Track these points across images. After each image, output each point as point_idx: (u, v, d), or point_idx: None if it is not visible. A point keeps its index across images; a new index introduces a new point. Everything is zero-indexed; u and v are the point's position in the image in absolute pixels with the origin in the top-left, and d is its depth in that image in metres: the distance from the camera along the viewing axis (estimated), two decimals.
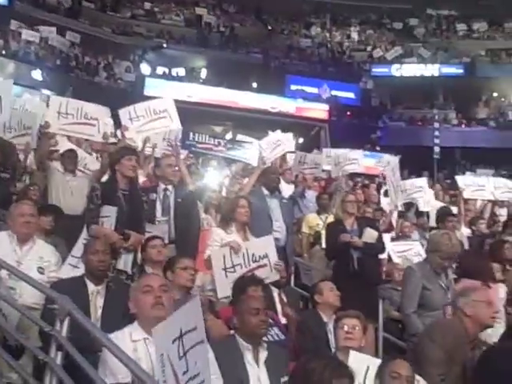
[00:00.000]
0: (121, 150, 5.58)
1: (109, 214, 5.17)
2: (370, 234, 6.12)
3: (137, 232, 5.24)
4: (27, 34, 21.22)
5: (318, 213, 8.35)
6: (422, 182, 10.20)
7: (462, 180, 10.25)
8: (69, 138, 8.13)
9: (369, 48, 28.84)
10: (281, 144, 9.60)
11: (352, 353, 3.76)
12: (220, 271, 5.36)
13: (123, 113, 7.58)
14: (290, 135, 10.07)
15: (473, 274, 5.28)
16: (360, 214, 7.64)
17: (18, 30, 21.73)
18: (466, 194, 9.81)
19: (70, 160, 7.37)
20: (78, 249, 5.02)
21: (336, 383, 2.87)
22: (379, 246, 6.33)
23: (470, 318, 4.02)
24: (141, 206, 5.42)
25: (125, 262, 5.18)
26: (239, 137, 17.89)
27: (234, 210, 5.70)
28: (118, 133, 11.84)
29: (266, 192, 6.74)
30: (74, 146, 7.93)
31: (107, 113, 11.06)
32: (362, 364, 3.66)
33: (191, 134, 9.48)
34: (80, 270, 4.66)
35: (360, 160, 9.99)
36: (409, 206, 9.62)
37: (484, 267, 5.62)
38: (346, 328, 4.21)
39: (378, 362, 3.66)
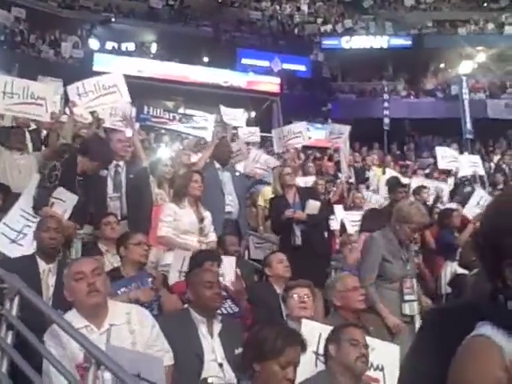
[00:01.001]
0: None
1: (64, 199, 5.10)
2: (313, 206, 6.16)
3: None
4: None
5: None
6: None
7: (439, 151, 10.69)
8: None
9: (319, 20, 28.83)
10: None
11: (304, 321, 3.83)
12: (175, 272, 5.25)
13: (71, 89, 7.41)
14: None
15: None
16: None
17: None
18: (441, 165, 10.22)
19: (16, 138, 7.19)
20: (10, 218, 4.93)
21: (289, 351, 2.93)
22: (323, 215, 6.40)
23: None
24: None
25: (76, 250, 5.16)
26: (194, 112, 17.78)
27: (188, 185, 5.65)
28: (68, 110, 11.69)
29: (217, 166, 6.74)
30: None
31: (59, 86, 10.86)
32: (315, 332, 3.73)
33: (145, 108, 9.34)
34: (22, 248, 4.59)
35: (304, 133, 9.99)
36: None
37: None
38: (296, 298, 4.28)
39: (330, 329, 3.73)
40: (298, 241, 6.07)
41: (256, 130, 11.34)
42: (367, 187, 9.64)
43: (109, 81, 7.51)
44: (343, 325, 3.76)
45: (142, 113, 9.08)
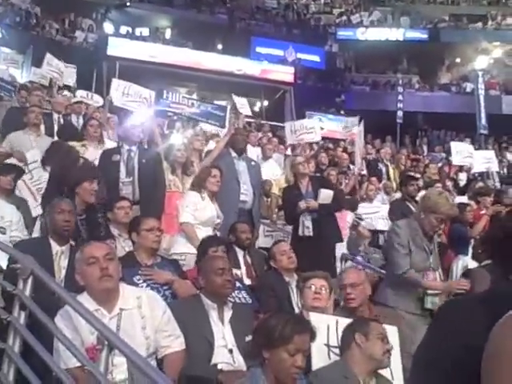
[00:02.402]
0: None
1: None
2: (325, 195, 6.13)
3: None
4: None
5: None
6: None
7: (454, 146, 10.64)
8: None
9: (335, 11, 28.67)
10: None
11: (311, 314, 3.81)
12: None
13: (120, 84, 8.79)
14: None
15: None
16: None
17: None
18: (455, 160, 10.18)
19: (33, 116, 7.25)
20: None
21: (298, 338, 2.94)
22: (336, 204, 6.37)
23: None
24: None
25: None
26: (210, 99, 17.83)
27: (206, 179, 5.72)
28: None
29: (233, 154, 6.71)
30: None
31: (73, 72, 10.99)
32: (323, 324, 3.71)
33: (165, 92, 9.33)
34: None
35: (317, 129, 10.06)
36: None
37: None
38: (313, 288, 4.25)
39: (335, 319, 3.72)
40: (308, 232, 6.05)
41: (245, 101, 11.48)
42: (379, 180, 9.58)
43: (146, 93, 8.73)
44: (368, 319, 3.77)
45: (162, 97, 9.08)
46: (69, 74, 11.89)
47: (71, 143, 6.81)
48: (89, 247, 3.52)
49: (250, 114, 11.38)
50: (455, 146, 10.83)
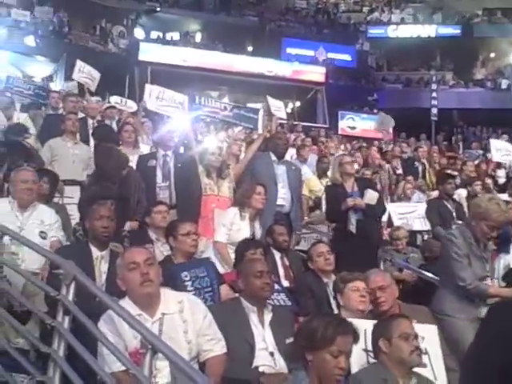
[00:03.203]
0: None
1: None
2: (372, 196, 6.07)
3: None
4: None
5: (319, 176, 8.34)
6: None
7: (494, 144, 10.53)
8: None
9: (365, 9, 28.48)
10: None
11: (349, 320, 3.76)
12: None
13: (154, 89, 8.79)
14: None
15: None
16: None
17: None
18: (495, 158, 10.07)
19: (71, 123, 7.32)
20: None
21: (340, 340, 2.92)
22: (380, 208, 6.31)
23: None
24: None
25: None
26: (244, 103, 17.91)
27: (251, 196, 5.63)
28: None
29: (273, 158, 6.69)
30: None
31: (98, 77, 11.10)
32: (360, 328, 3.65)
33: (197, 97, 9.38)
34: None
35: (283, 108, 10.54)
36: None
37: None
38: (360, 291, 4.20)
39: (372, 323, 3.66)
40: (353, 228, 5.99)
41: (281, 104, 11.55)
42: (415, 179, 9.47)
43: (180, 98, 8.71)
44: (390, 318, 3.68)
45: (194, 102, 9.13)
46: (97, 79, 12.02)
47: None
48: (129, 252, 3.55)
49: (284, 117, 11.36)
50: (495, 143, 10.67)
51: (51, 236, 4.85)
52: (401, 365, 3.33)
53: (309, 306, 4.75)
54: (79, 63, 10.89)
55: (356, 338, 3.02)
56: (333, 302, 4.80)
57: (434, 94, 22.52)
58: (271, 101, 10.17)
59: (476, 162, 11.73)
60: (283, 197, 6.43)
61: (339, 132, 16.98)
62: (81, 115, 8.59)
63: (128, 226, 5.69)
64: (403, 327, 3.43)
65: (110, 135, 7.43)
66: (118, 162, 5.82)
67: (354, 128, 18.63)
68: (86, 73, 10.83)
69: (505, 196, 8.26)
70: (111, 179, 5.58)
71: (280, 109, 10.59)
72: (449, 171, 9.12)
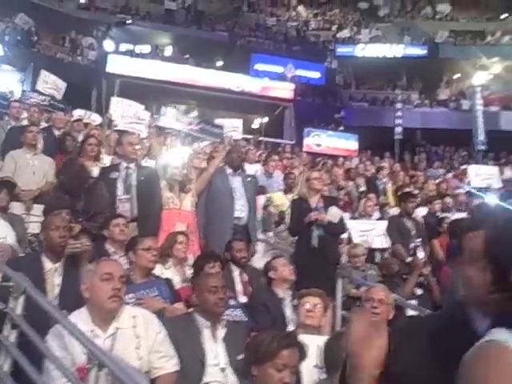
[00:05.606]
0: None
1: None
2: (334, 213, 6.13)
3: None
4: None
5: (285, 192, 8.39)
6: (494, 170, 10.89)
7: (473, 169, 10.71)
8: None
9: (334, 27, 28.83)
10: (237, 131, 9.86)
11: (301, 336, 3.79)
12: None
13: (118, 108, 9.14)
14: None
15: None
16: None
17: None
18: (474, 183, 10.25)
19: (30, 136, 7.25)
20: None
21: (285, 354, 2.93)
22: (341, 226, 6.37)
23: None
24: None
25: None
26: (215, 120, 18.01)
27: (172, 246, 5.53)
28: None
29: (229, 171, 6.74)
30: None
31: (63, 86, 10.98)
32: (313, 345, 3.68)
33: (163, 109, 9.40)
34: None
35: (240, 128, 10.69)
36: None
37: None
38: (307, 306, 4.26)
39: (324, 339, 3.68)
40: (316, 243, 6.03)
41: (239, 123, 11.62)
42: (378, 197, 9.57)
43: (143, 115, 9.07)
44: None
45: (160, 114, 9.18)
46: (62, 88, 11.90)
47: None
48: (107, 263, 3.56)
49: (240, 137, 11.45)
50: (474, 168, 10.93)
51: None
52: None
53: (264, 321, 4.75)
54: (43, 73, 10.80)
55: (303, 354, 3.03)
56: (288, 317, 4.85)
57: (399, 113, 22.83)
58: (227, 122, 10.31)
59: (437, 180, 11.93)
60: (241, 209, 6.47)
61: (304, 149, 17.02)
62: (45, 125, 8.52)
63: None
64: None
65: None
66: (78, 174, 5.78)
67: (319, 145, 18.74)
68: (50, 83, 10.75)
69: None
70: (71, 191, 5.54)
71: (237, 128, 10.68)
72: (410, 189, 9.27)
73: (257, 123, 25.15)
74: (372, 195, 9.22)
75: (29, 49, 22.49)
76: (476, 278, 1.51)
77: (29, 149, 7.12)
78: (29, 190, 6.50)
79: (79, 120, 10.29)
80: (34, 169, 6.93)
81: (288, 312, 4.84)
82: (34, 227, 5.67)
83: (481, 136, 19.23)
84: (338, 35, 28.21)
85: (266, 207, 8.17)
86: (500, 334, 1.30)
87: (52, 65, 19.55)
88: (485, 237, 1.49)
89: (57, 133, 8.63)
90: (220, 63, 25.83)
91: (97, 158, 7.42)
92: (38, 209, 6.21)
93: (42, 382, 2.97)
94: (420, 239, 7.31)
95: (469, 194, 10.26)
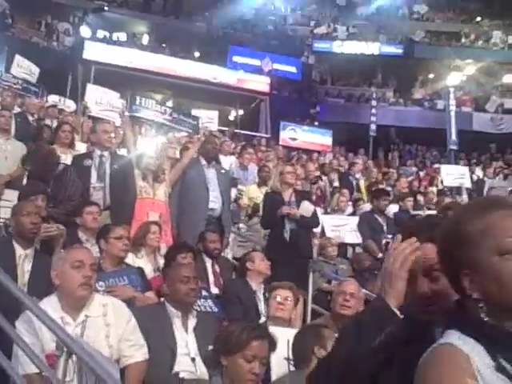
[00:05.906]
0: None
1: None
2: (307, 208, 6.20)
3: None
4: None
5: (259, 185, 8.42)
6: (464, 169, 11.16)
7: (444, 169, 10.91)
8: None
9: (312, 23, 28.86)
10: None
11: (272, 328, 3.81)
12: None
13: (93, 96, 9.17)
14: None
15: None
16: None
17: None
18: (445, 182, 10.44)
19: (2, 120, 7.15)
20: None
21: (255, 345, 2.95)
22: (314, 220, 6.43)
23: None
24: None
25: None
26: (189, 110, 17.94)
27: (145, 236, 5.49)
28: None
29: (203, 162, 6.73)
30: None
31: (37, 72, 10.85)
32: (283, 337, 3.70)
33: (138, 98, 9.27)
34: None
35: (215, 120, 11.02)
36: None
37: None
38: (278, 299, 4.28)
39: (294, 332, 3.72)
40: (287, 236, 6.08)
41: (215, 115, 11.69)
42: (351, 192, 9.66)
43: (118, 103, 9.13)
44: (318, 326, 3.74)
45: (135, 104, 9.04)
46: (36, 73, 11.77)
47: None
48: (78, 250, 3.53)
49: (215, 129, 11.49)
50: (445, 168, 11.15)
51: None
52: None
53: (236, 312, 4.78)
54: (18, 58, 10.69)
55: (273, 345, 3.06)
56: (261, 309, 4.88)
57: (374, 111, 22.93)
58: (203, 113, 10.33)
59: (409, 178, 12.08)
60: (214, 200, 6.49)
61: (280, 142, 17.09)
62: (19, 110, 8.40)
63: None
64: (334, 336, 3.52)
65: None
66: (46, 160, 5.71)
67: (294, 139, 18.82)
68: (24, 68, 10.63)
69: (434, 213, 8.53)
70: (41, 177, 5.47)
71: (212, 120, 10.70)
72: (383, 187, 9.36)
73: (233, 115, 25.11)
74: (345, 191, 9.31)
75: (3, 32, 22.06)
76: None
77: (1, 133, 7.02)
78: (0, 175, 6.40)
79: (54, 106, 10.21)
80: (5, 154, 6.81)
81: (261, 304, 4.87)
82: (5, 212, 5.60)
83: (453, 136, 19.47)
84: (315, 31, 28.24)
85: (236, 200, 8.21)
86: (453, 337, 1.36)
87: (27, 49, 19.23)
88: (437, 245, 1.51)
89: (30, 118, 8.52)
90: (197, 54, 25.70)
91: (71, 146, 7.34)
92: (9, 194, 6.12)
93: (10, 367, 2.94)
94: (392, 235, 7.40)
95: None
